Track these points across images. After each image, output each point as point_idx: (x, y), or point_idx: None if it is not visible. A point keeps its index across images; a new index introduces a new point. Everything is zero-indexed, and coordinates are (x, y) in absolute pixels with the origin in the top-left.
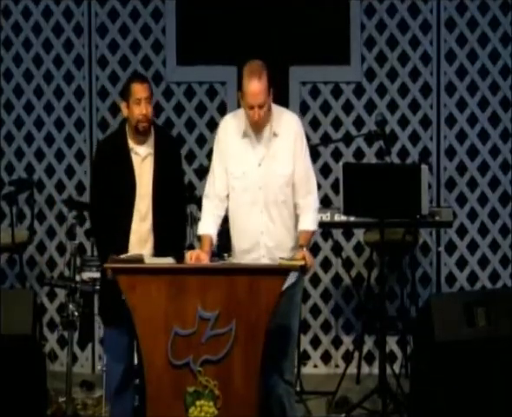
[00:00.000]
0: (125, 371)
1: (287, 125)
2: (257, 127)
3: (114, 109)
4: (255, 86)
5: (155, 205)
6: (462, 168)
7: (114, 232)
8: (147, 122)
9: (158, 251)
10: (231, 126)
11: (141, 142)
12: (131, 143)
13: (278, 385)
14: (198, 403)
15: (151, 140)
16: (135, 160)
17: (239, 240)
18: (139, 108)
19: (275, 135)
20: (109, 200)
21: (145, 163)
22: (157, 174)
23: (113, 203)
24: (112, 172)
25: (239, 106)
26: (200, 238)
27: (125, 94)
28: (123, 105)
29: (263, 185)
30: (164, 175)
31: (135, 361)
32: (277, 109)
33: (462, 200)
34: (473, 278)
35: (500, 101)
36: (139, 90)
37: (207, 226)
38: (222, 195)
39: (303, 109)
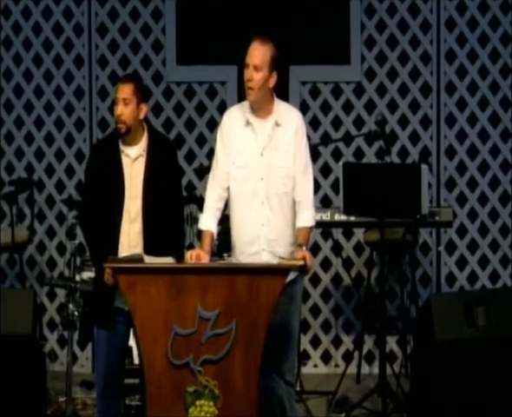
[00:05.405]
0: (112, 374)
1: (290, 117)
2: (250, 98)
3: None
4: (255, 46)
5: (146, 207)
6: (462, 168)
7: (104, 233)
8: (121, 123)
9: (149, 253)
10: (234, 114)
11: (131, 144)
12: (122, 145)
13: (279, 385)
14: (198, 403)
15: (143, 142)
16: (125, 161)
17: (239, 232)
18: (115, 108)
19: (277, 124)
20: (100, 201)
21: (136, 165)
22: (148, 175)
23: (103, 205)
24: (102, 173)
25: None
26: (200, 233)
27: None
28: None
29: (265, 176)
30: (156, 177)
31: (136, 361)
32: (280, 102)
33: (462, 200)
34: (473, 278)
35: (500, 100)
36: (117, 90)
37: (209, 221)
38: (224, 183)
39: (303, 109)
